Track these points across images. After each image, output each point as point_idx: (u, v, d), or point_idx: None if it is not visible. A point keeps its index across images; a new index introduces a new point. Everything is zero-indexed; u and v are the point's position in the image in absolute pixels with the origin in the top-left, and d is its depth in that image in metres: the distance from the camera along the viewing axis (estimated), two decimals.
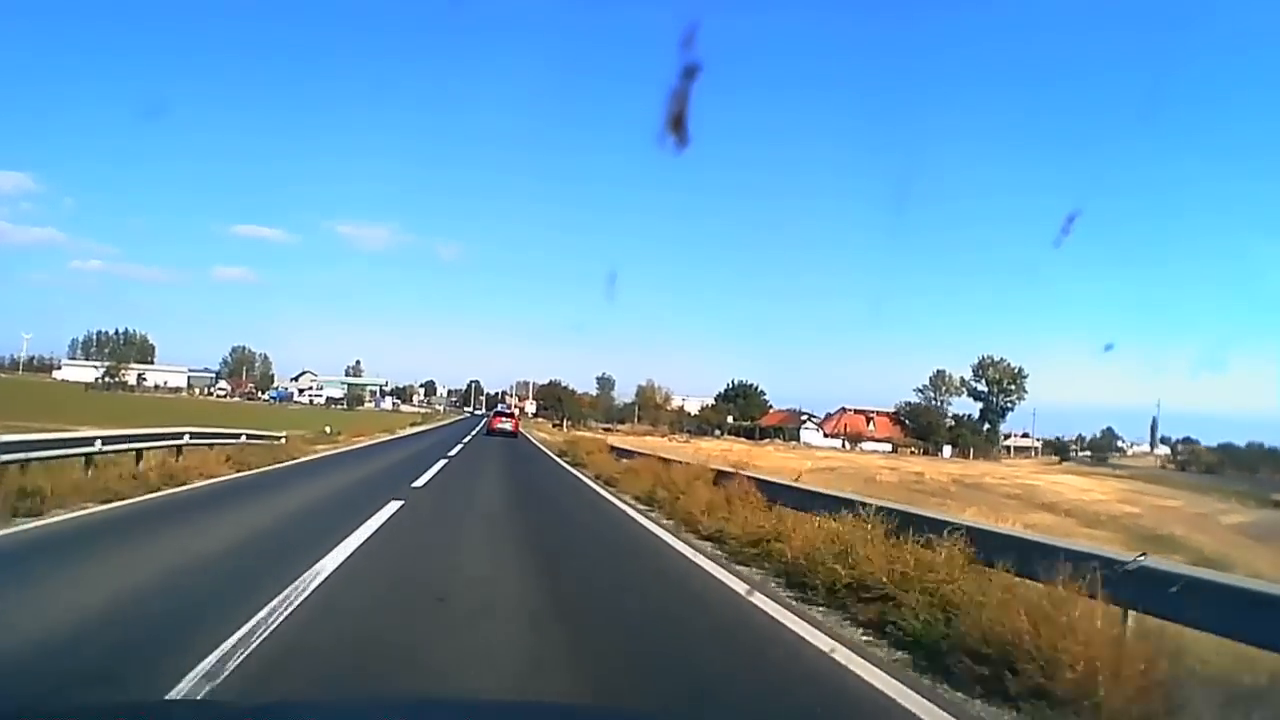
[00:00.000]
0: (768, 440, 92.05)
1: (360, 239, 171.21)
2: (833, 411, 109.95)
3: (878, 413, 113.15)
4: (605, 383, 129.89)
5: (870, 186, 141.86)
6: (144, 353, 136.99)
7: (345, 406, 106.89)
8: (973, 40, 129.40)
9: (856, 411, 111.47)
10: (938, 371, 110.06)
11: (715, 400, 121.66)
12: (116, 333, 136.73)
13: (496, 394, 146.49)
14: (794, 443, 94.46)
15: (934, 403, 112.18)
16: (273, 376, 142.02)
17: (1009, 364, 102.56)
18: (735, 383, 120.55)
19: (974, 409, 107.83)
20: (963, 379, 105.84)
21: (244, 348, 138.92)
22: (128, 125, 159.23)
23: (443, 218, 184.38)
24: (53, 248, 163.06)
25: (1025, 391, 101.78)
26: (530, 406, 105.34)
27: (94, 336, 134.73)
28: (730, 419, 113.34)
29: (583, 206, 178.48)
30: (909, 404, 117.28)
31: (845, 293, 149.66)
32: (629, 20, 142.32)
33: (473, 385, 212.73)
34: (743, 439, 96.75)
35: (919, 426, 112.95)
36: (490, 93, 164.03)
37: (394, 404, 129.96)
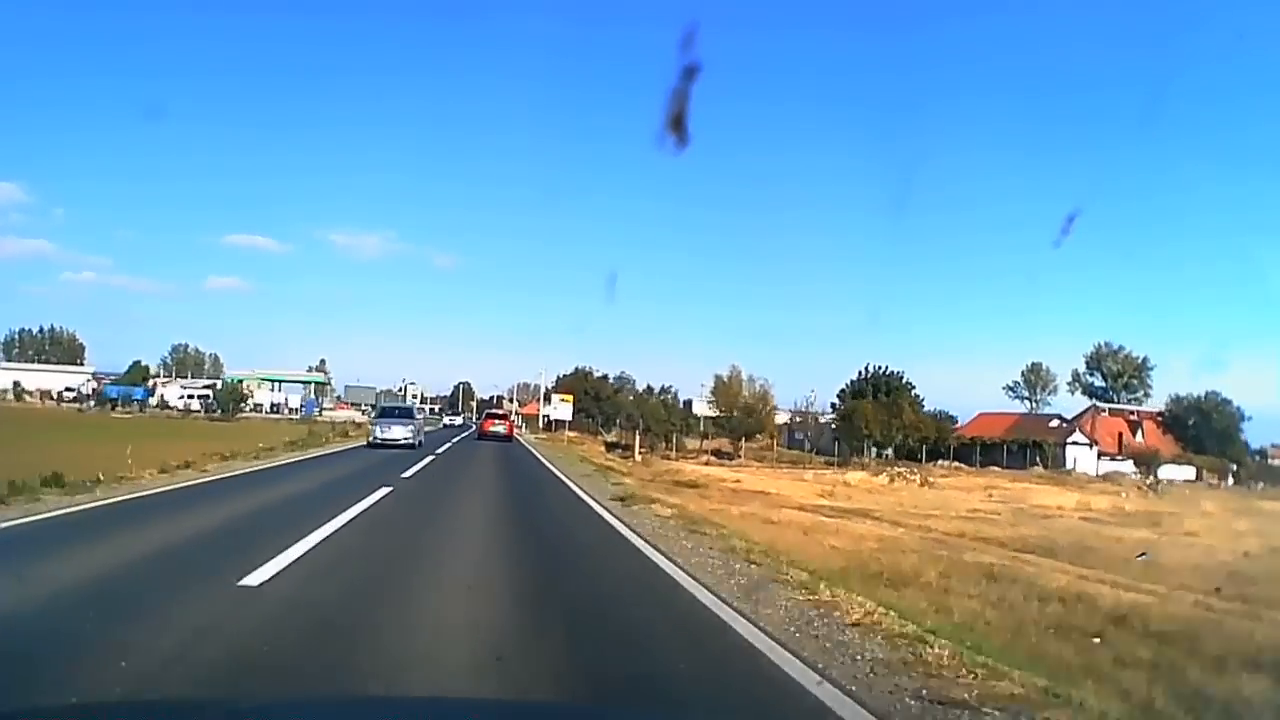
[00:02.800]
0: (1063, 473, 45.42)
1: (354, 247, 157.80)
2: (1080, 413, 63.38)
3: (1138, 414, 66.58)
4: (624, 382, 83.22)
5: (870, 193, 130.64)
6: (73, 352, 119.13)
7: (220, 412, 60.07)
8: (974, 43, 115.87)
9: (1111, 413, 64.92)
10: (1032, 365, 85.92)
11: (842, 399, 74.19)
12: (41, 330, 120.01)
13: (490, 398, 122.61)
14: (1080, 472, 47.93)
15: (1033, 405, 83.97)
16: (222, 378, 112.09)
17: (1129, 353, 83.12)
18: (872, 370, 73.30)
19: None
20: (1075, 373, 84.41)
21: (185, 345, 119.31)
22: (119, 134, 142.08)
23: (439, 226, 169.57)
24: (44, 259, 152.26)
25: (1149, 387, 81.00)
26: (559, 411, 55.76)
27: (16, 336, 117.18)
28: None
29: (582, 212, 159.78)
30: (1178, 399, 71.06)
31: (845, 294, 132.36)
32: (628, 28, 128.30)
33: (461, 388, 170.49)
34: (946, 465, 50.03)
35: (1200, 436, 66.62)
36: (488, 100, 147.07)
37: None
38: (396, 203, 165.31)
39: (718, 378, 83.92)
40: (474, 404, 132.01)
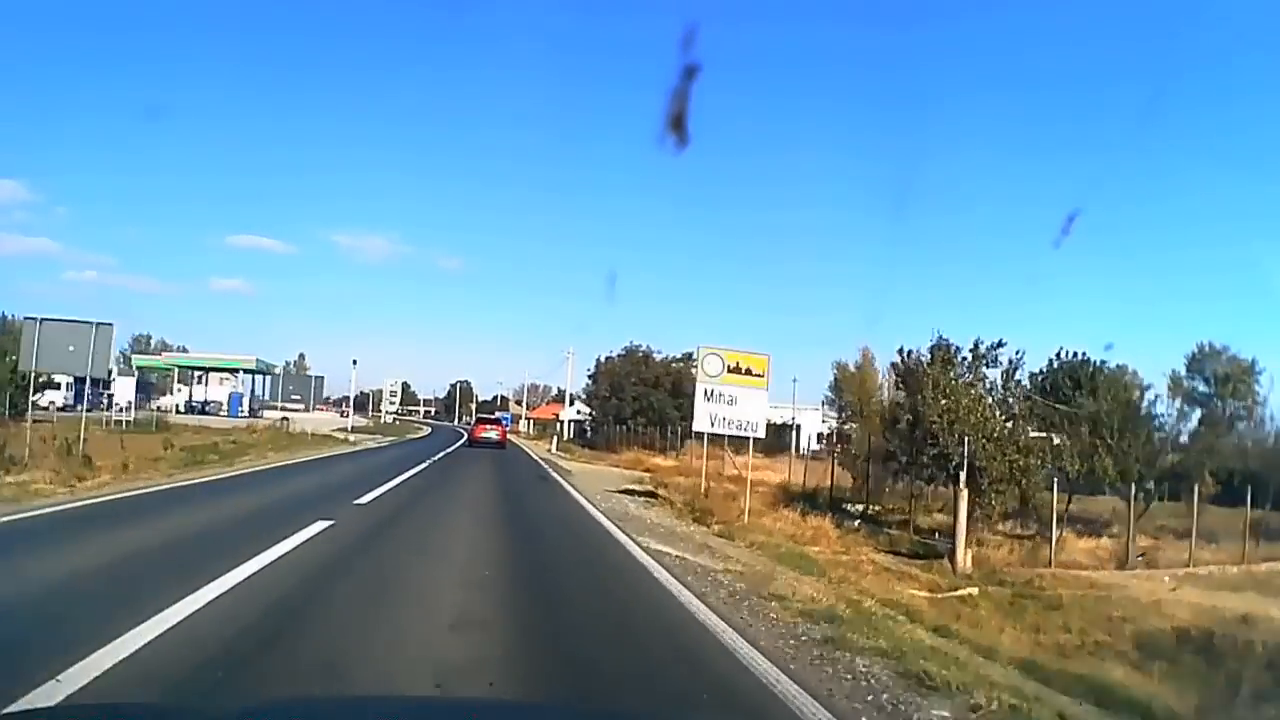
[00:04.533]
0: None
1: (358, 249, 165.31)
2: None
3: None
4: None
5: (870, 191, 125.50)
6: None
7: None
8: (976, 44, 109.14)
9: None
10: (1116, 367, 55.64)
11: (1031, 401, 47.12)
12: None
13: (495, 398, 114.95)
14: None
15: None
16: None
17: (1234, 354, 56.07)
18: (1067, 358, 46.98)
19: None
20: (1175, 376, 52.22)
21: (148, 336, 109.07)
22: (122, 132, 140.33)
23: (443, 226, 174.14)
24: (47, 258, 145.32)
25: (1258, 392, 51.18)
26: (747, 404, 15.02)
27: None
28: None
29: (586, 212, 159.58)
30: None
31: (846, 293, 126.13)
32: (630, 32, 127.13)
33: (459, 388, 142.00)
34: None
35: None
36: (490, 101, 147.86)
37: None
38: (400, 203, 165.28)
39: (840, 367, 56.56)
40: (473, 405, 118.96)
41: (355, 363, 52.08)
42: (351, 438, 35.00)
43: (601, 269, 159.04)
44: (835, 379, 58.51)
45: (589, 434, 55.45)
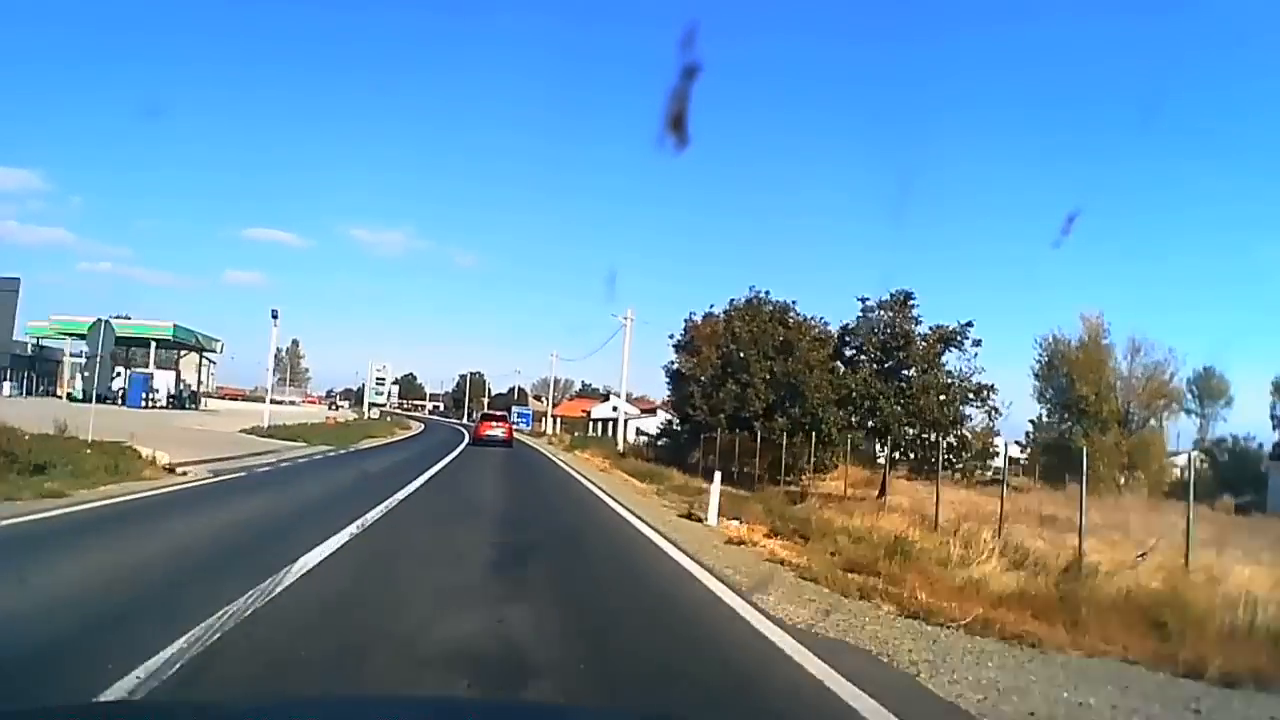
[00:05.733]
0: None
1: (375, 244, 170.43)
2: None
3: None
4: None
5: (870, 198, 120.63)
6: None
7: None
8: (977, 50, 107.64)
9: None
10: (1205, 369, 53.07)
11: None
12: None
13: (511, 390, 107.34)
14: None
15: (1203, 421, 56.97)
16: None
17: None
18: None
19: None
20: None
21: (126, 318, 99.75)
22: (137, 124, 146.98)
23: (457, 222, 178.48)
24: (62, 248, 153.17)
25: None
26: None
27: None
28: None
29: (589, 210, 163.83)
30: None
31: (845, 294, 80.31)
32: (633, 30, 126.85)
33: (467, 380, 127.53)
34: None
35: None
36: (499, 100, 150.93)
37: None
38: (416, 199, 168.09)
39: (1057, 345, 37.17)
40: (485, 400, 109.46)
41: (276, 315, 32.46)
42: (173, 464, 14.88)
43: (615, 269, 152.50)
44: (1046, 361, 38.09)
45: (662, 442, 35.00)
